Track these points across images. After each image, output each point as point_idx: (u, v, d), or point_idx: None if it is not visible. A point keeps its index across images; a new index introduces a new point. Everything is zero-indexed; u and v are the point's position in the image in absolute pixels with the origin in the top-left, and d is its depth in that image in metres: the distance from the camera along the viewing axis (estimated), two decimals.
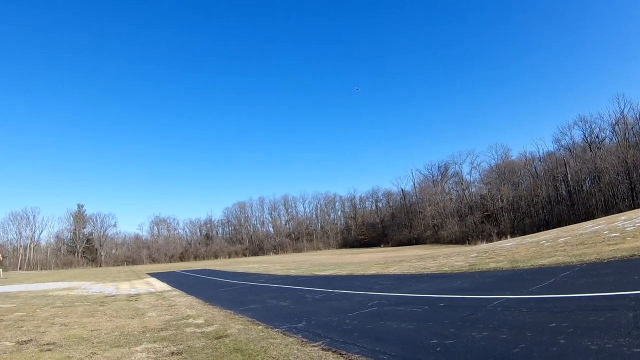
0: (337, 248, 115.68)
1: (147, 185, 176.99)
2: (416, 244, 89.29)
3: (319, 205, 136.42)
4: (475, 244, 56.20)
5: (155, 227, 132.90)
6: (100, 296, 18.52)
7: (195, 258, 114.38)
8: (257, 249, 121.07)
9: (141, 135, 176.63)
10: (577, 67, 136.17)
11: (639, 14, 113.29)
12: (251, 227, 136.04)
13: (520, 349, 4.67)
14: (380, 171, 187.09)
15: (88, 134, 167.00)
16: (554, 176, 76.40)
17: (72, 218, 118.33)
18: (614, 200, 63.57)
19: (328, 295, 12.75)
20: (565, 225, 45.95)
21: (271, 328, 7.99)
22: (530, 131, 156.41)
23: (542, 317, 5.94)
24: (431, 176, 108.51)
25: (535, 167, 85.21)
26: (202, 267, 57.10)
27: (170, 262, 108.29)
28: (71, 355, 6.47)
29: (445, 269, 15.86)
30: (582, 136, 77.92)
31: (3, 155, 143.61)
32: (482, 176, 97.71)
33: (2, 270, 53.93)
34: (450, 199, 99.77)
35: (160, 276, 37.39)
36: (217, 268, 47.55)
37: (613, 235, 15.31)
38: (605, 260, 10.43)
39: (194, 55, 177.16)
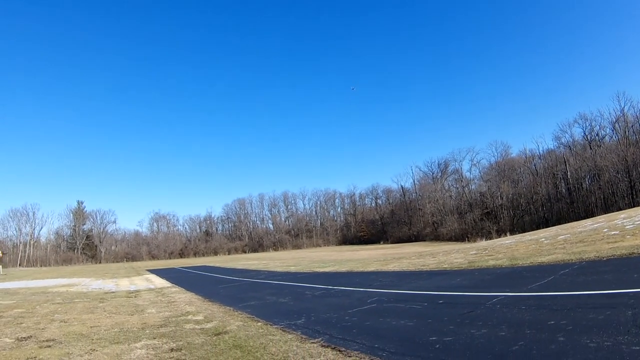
0: (336, 245, 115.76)
1: (147, 181, 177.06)
2: (415, 241, 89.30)
3: (318, 202, 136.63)
4: (475, 241, 56.25)
5: (155, 224, 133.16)
6: (100, 293, 18.54)
7: (195, 254, 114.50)
8: (257, 245, 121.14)
9: (141, 132, 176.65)
10: (577, 64, 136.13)
11: (639, 12, 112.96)
12: (251, 223, 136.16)
13: (519, 346, 4.67)
14: (380, 168, 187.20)
15: (88, 131, 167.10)
16: (554, 174, 76.37)
17: (71, 214, 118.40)
18: (614, 198, 63.57)
19: (327, 292, 12.77)
20: (565, 223, 45.98)
21: (270, 325, 8.00)
22: (530, 129, 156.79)
23: (541, 315, 5.95)
24: (431, 173, 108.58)
25: (535, 165, 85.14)
26: (201, 263, 57.14)
27: (170, 258, 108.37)
28: (71, 352, 6.48)
29: (445, 266, 15.88)
30: (582, 134, 77.91)
31: (3, 152, 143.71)
32: (481, 173, 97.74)
33: (2, 267, 53.97)
34: (450, 196, 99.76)
35: (159, 273, 37.44)
36: (217, 265, 47.60)
37: (612, 233, 15.31)
38: (605, 258, 10.44)
39: (193, 51, 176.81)
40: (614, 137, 73.18)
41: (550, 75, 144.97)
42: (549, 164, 79.41)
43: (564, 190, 74.93)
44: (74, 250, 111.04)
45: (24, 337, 7.78)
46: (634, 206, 49.69)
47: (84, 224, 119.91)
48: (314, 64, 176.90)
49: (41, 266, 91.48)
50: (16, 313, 11.68)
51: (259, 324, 8.24)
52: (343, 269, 21.88)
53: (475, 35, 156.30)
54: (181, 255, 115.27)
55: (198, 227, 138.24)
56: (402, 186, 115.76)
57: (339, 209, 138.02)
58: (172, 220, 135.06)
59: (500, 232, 63.56)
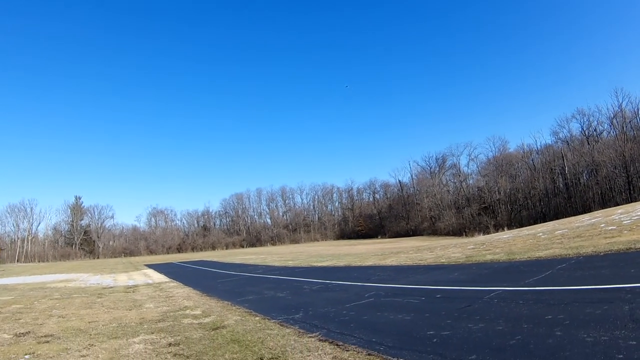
0: (334, 239, 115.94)
1: (145, 176, 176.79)
2: (413, 235, 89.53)
3: (316, 197, 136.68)
4: (472, 235, 56.41)
5: (153, 219, 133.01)
6: (98, 288, 18.54)
7: (193, 249, 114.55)
8: (255, 240, 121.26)
9: (138, 127, 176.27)
10: (575, 60, 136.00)
11: (638, 8, 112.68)
12: (248, 218, 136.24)
13: (516, 340, 4.69)
14: (378, 163, 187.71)
15: (85, 126, 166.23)
16: (552, 169, 76.50)
17: (69, 210, 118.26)
18: (611, 193, 63.78)
19: (325, 286, 12.79)
20: (562, 218, 46.12)
21: (268, 319, 8.01)
22: (528, 124, 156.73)
23: (539, 309, 5.97)
24: (429, 168, 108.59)
25: (532, 160, 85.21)
26: (199, 258, 57.21)
27: (168, 253, 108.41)
28: (69, 347, 6.48)
29: (442, 260, 15.92)
30: (580, 129, 77.98)
31: (0, 147, 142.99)
32: (479, 168, 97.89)
33: (0, 263, 53.86)
34: (448, 190, 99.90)
35: (157, 267, 37.45)
36: (215, 259, 47.65)
37: (610, 228, 15.37)
38: (602, 253, 10.47)
39: (191, 46, 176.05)
40: (611, 132, 73.34)
41: (548, 70, 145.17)
42: (546, 159, 79.53)
43: (561, 186, 75.11)
44: (71, 246, 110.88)
45: (22, 333, 7.78)
46: (631, 201, 49.86)
47: (82, 220, 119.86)
48: (312, 59, 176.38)
49: (39, 262, 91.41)
50: (14, 309, 11.67)
51: (257, 318, 8.26)
52: (341, 263, 21.93)
53: (474, 31, 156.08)
54: (179, 250, 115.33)
55: (196, 222, 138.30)
56: (399, 181, 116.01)
57: (336, 204, 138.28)
58: (169, 215, 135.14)
59: (498, 227, 63.76)
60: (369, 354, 4.95)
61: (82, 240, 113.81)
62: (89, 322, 8.83)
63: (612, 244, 11.53)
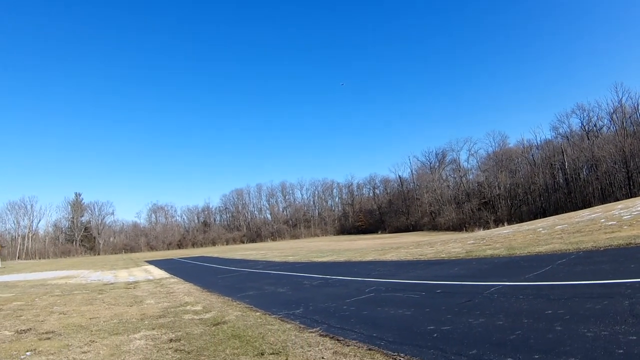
0: (334, 235, 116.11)
1: (145, 173, 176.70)
2: (413, 230, 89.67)
3: (316, 192, 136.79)
4: (473, 231, 56.53)
5: (153, 215, 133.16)
6: (99, 284, 18.58)
7: (193, 245, 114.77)
8: (255, 235, 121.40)
9: (138, 124, 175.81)
10: (575, 55, 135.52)
11: (638, 4, 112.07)
12: (249, 214, 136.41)
13: (516, 335, 4.70)
14: (378, 158, 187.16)
15: (85, 123, 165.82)
16: (552, 164, 76.48)
17: (69, 207, 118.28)
18: (611, 188, 63.79)
19: (326, 281, 12.81)
20: (562, 213, 46.22)
21: (269, 314, 8.03)
22: (527, 119, 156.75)
23: (539, 304, 5.97)
24: (428, 163, 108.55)
25: (532, 155, 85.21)
26: (200, 254, 57.30)
27: (168, 249, 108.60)
28: (70, 344, 6.49)
29: (443, 255, 15.94)
30: (580, 124, 77.97)
31: (0, 144, 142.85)
32: (479, 163, 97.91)
33: (1, 260, 54.00)
34: (448, 186, 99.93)
35: (158, 263, 37.54)
36: (215, 255, 47.72)
37: (610, 223, 15.37)
38: (602, 249, 10.48)
39: (190, 42, 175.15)
40: (611, 127, 73.38)
41: (548, 65, 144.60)
42: (546, 154, 79.53)
43: (561, 181, 75.14)
44: (72, 242, 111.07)
45: (23, 330, 7.80)
46: (631, 197, 49.91)
47: (82, 216, 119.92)
48: (312, 56, 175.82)
49: (40, 258, 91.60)
50: (15, 306, 11.70)
51: (258, 313, 8.28)
52: (341, 258, 21.96)
53: (474, 27, 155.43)
54: (179, 246, 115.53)
55: (196, 217, 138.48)
56: (399, 176, 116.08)
57: (336, 199, 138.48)
58: (170, 211, 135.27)
59: (498, 222, 63.79)
60: (369, 349, 4.96)
61: (82, 237, 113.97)
62: (90, 319, 8.86)
63: (612, 239, 11.54)
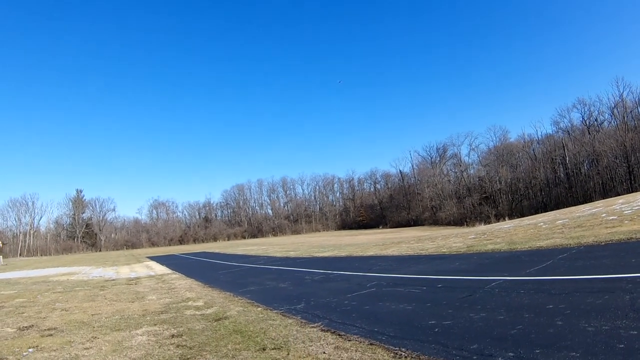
0: (335, 230, 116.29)
1: (146, 169, 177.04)
2: (414, 225, 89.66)
3: (317, 187, 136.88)
4: (474, 225, 56.50)
5: (154, 211, 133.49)
6: (101, 280, 18.63)
7: (195, 241, 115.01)
8: (256, 231, 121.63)
9: (139, 120, 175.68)
10: (576, 50, 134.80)
11: None
12: (250, 209, 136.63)
13: (517, 330, 4.70)
14: (379, 153, 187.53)
15: (85, 120, 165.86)
16: (552, 159, 76.36)
17: (71, 203, 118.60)
18: (612, 183, 63.73)
19: (327, 276, 12.84)
20: (563, 207, 46.17)
21: (270, 310, 8.05)
22: (528, 113, 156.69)
23: (540, 299, 5.98)
24: (429, 158, 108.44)
25: (533, 150, 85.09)
26: (201, 249, 57.45)
27: (170, 245, 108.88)
28: (72, 340, 6.52)
29: (444, 250, 15.95)
30: (581, 119, 77.79)
31: (1, 142, 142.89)
32: (480, 158, 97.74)
33: (2, 257, 54.15)
34: (449, 180, 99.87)
35: (159, 259, 37.62)
36: (216, 250, 47.85)
37: (611, 218, 15.36)
38: (603, 243, 10.47)
39: (191, 40, 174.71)
40: (612, 122, 73.21)
41: (549, 60, 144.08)
42: (547, 148, 79.39)
43: (562, 175, 75.07)
44: (73, 239, 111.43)
45: (25, 327, 7.83)
46: (632, 191, 49.85)
47: (84, 213, 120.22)
48: (312, 50, 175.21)
49: (41, 255, 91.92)
50: (17, 303, 11.74)
51: (259, 309, 8.29)
52: (342, 253, 21.99)
53: (474, 22, 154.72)
54: (181, 241, 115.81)
55: (197, 213, 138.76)
56: (400, 171, 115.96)
57: (337, 194, 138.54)
58: (171, 207, 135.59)
59: (499, 217, 63.88)
60: (371, 344, 4.97)
61: (84, 234, 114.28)
62: (92, 315, 8.89)
63: (613, 233, 11.53)
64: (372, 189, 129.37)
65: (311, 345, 5.19)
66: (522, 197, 79.87)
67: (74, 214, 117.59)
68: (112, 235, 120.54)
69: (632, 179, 60.80)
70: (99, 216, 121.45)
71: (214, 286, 13.40)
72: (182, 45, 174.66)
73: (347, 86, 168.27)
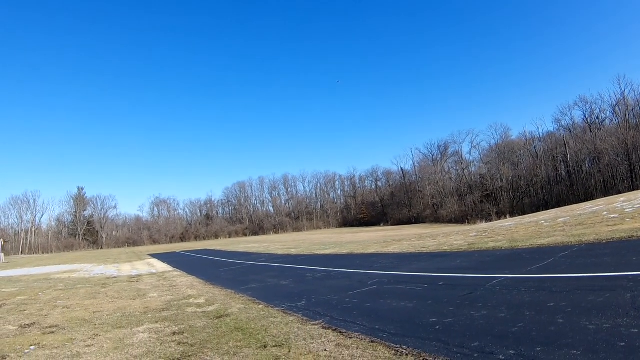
0: (337, 227, 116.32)
1: (147, 166, 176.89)
2: (416, 223, 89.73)
3: (318, 185, 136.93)
4: (475, 223, 56.53)
5: (156, 208, 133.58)
6: (102, 278, 18.67)
7: (196, 238, 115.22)
8: (257, 228, 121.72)
9: (140, 117, 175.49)
10: (578, 47, 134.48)
11: None
12: (251, 206, 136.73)
13: (518, 328, 4.70)
14: (380, 150, 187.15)
15: (87, 117, 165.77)
16: (554, 156, 76.23)
17: (72, 201, 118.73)
18: (613, 181, 63.62)
19: (328, 274, 12.84)
20: (565, 205, 46.15)
21: (272, 307, 8.06)
22: (530, 111, 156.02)
23: (541, 297, 5.98)
24: (431, 155, 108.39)
25: (535, 147, 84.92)
26: (202, 247, 57.53)
27: (171, 242, 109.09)
28: (74, 337, 6.54)
29: (445, 248, 15.95)
30: (582, 117, 77.57)
31: (3, 139, 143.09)
32: (481, 155, 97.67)
33: (4, 255, 54.30)
34: (450, 178, 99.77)
35: (161, 257, 37.70)
36: (218, 248, 47.89)
37: (612, 216, 15.34)
38: (604, 241, 10.47)
39: (192, 37, 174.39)
40: (614, 120, 73.04)
41: (550, 57, 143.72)
42: (549, 146, 79.23)
43: (563, 173, 74.95)
44: (75, 237, 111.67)
45: (27, 324, 7.85)
46: (634, 189, 49.78)
47: (85, 210, 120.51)
48: (314, 49, 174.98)
49: (43, 253, 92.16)
50: (19, 300, 11.77)
51: (260, 306, 8.31)
52: (343, 251, 22.00)
53: (475, 19, 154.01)
54: (182, 239, 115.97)
55: (199, 211, 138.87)
56: (402, 168, 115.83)
57: (339, 192, 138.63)
58: (172, 204, 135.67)
59: (500, 215, 63.76)
60: (372, 341, 4.97)
61: (85, 231, 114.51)
62: (94, 312, 8.91)
63: (614, 231, 11.52)
64: (373, 187, 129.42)
65: (312, 343, 5.19)
66: (524, 194, 79.81)
67: (76, 212, 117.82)
68: (114, 233, 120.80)
69: (634, 177, 60.69)
70: (101, 214, 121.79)
71: (215, 284, 13.42)
72: (183, 42, 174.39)
73: (348, 84, 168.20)
